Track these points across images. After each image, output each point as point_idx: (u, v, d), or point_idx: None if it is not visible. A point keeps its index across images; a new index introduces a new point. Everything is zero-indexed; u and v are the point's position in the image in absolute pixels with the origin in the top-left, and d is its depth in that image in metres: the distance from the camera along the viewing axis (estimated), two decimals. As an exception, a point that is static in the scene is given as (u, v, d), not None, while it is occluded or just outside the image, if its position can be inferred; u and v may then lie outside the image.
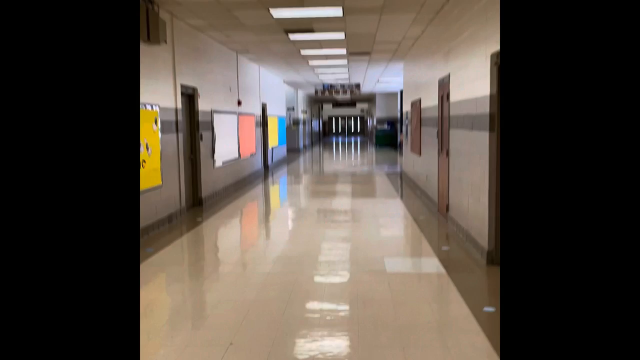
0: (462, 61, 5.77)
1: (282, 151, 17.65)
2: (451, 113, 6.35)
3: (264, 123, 14.33)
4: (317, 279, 4.39)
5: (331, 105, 38.15)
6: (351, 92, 19.37)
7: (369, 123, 37.63)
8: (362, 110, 44.65)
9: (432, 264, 4.78)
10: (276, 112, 16.39)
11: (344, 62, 13.04)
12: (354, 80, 18.53)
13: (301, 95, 23.90)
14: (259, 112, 13.40)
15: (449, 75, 6.47)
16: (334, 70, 15.11)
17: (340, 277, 4.43)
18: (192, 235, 6.27)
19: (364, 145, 28.66)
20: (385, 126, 25.64)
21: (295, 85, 20.16)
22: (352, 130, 46.80)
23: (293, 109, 22.38)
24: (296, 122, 22.66)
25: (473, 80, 5.26)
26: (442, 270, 4.55)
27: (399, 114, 25.21)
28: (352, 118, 46.57)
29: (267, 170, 14.46)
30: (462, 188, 5.84)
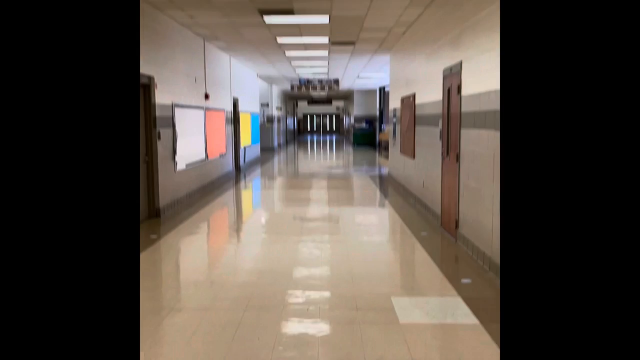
0: (482, 45, 4.63)
1: (256, 150, 16.35)
2: (463, 109, 5.22)
3: (235, 120, 13.01)
4: (295, 328, 3.18)
5: (306, 103, 36.93)
6: (329, 88, 18.19)
7: (346, 121, 36.55)
8: (337, 108, 43.56)
9: (457, 308, 3.61)
10: (249, 108, 15.08)
11: (325, 53, 11.85)
12: (333, 76, 17.36)
13: (276, 91, 22.61)
14: (229, 107, 12.09)
15: (460, 64, 5.33)
16: (313, 63, 13.91)
17: (331, 327, 3.23)
18: (143, 259, 4.94)
19: (340, 144, 27.55)
20: (364, 125, 24.58)
21: (269, 80, 18.87)
22: (328, 129, 45.69)
23: (267, 105, 21.08)
24: (270, 120, 21.37)
25: (498, 68, 4.13)
26: (474, 318, 3.39)
27: (377, 112, 24.17)
28: (328, 116, 45.46)
29: (239, 172, 13.16)
30: (479, 201, 4.71)
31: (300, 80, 18.12)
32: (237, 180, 11.62)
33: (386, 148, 21.22)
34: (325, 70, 15.31)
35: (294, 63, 13.43)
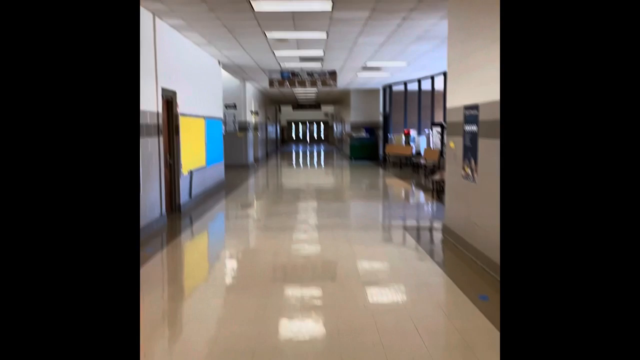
0: None
1: (217, 173, 11.16)
2: None
3: (170, 128, 7.82)
4: None
5: (291, 108, 31.86)
6: (323, 83, 13.09)
7: (337, 129, 31.53)
8: (326, 115, 38.53)
9: None
10: (202, 110, 9.89)
11: (324, 26, 6.82)
12: (330, 66, 12.32)
13: (251, 90, 17.46)
14: (153, 106, 6.90)
15: None
16: (304, 46, 8.87)
17: None
18: None
19: (331, 157, 22.56)
20: (363, 134, 19.54)
21: (239, 72, 13.72)
22: (316, 137, 40.70)
23: (234, 106, 15.92)
24: (244, 127, 16.19)
25: None
26: None
27: (381, 118, 19.14)
28: (315, 123, 40.46)
29: (176, 215, 7.93)
30: None
31: (282, 74, 13.00)
32: (170, 235, 6.43)
33: (398, 165, 16.44)
34: (320, 53, 10.25)
35: (277, 49, 8.45)
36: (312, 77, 13.01)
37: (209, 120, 10.28)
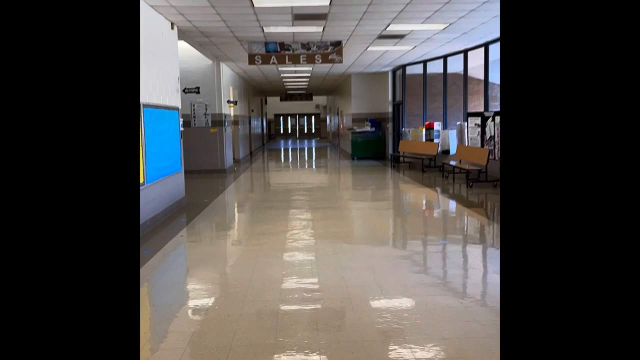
0: None
1: (167, 190, 7.48)
2: None
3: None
4: None
5: (279, 99, 28.18)
6: (324, 58, 9.46)
7: (331, 122, 27.94)
8: (317, 107, 34.90)
9: None
10: (141, 94, 6.20)
11: None
12: (334, 34, 8.72)
13: (228, 74, 13.76)
14: None
15: None
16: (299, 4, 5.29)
17: None
18: None
19: (325, 154, 19.00)
20: (368, 127, 15.97)
21: (208, 47, 10.02)
22: (306, 131, 37.05)
23: (197, 90, 12.27)
24: (218, 121, 12.52)
25: None
26: None
27: (390, 108, 15.58)
28: (306, 116, 36.80)
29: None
30: None
31: (267, 46, 9.36)
32: None
33: (415, 166, 12.82)
34: (324, 5, 6.64)
35: (260, 2, 4.85)
36: (309, 50, 9.37)
37: (152, 111, 6.59)
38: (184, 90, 11.98)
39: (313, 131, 36.90)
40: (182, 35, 8.51)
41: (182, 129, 7.96)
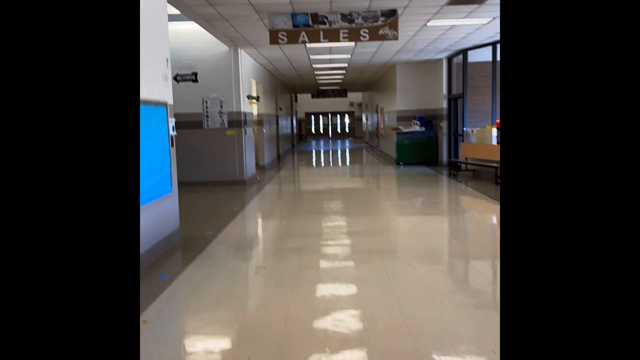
0: None
1: (149, 220, 5.10)
2: None
3: None
4: None
5: (310, 96, 25.79)
6: (372, 33, 6.93)
7: (368, 121, 25.36)
8: (351, 104, 32.35)
9: None
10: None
11: None
12: (385, 2, 6.20)
13: (249, 63, 11.39)
14: None
15: None
16: None
17: None
18: None
19: (362, 157, 16.46)
20: (417, 127, 13.35)
21: (220, 26, 7.63)
22: (340, 131, 34.51)
23: (194, 77, 9.92)
24: (236, 121, 10.17)
25: None
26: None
27: (445, 103, 12.95)
28: (339, 115, 34.26)
29: None
30: None
31: (295, 18, 6.92)
32: None
33: (483, 176, 10.03)
34: None
35: None
36: (352, 24, 6.86)
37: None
38: (175, 78, 9.62)
39: (347, 131, 34.36)
40: (179, 3, 6.14)
41: (173, 133, 5.58)
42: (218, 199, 8.77)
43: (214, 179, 10.18)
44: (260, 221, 6.91)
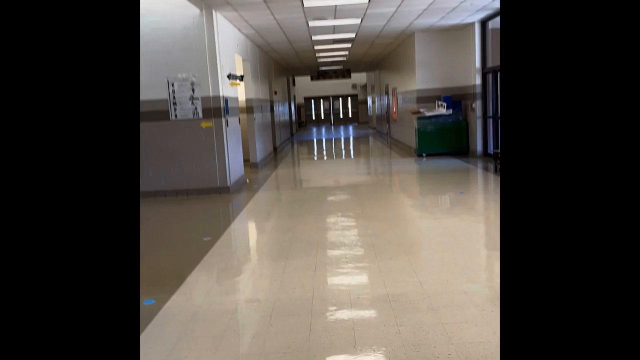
0: None
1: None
2: None
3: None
4: None
5: (309, 78, 23.17)
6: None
7: (374, 104, 22.79)
8: (354, 87, 29.73)
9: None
10: None
11: None
12: None
13: (230, 33, 8.81)
14: None
15: None
16: None
17: None
18: None
19: (372, 147, 13.99)
20: (443, 109, 10.85)
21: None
22: (342, 117, 31.87)
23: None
24: (215, 110, 7.65)
25: None
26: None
27: (478, 79, 10.43)
28: (341, 99, 31.58)
29: None
30: None
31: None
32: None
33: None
34: None
35: None
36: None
37: None
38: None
39: (350, 116, 31.78)
40: None
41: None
42: (185, 219, 6.31)
43: (187, 186, 7.72)
44: (244, 268, 4.44)
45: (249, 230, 5.74)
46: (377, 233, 4.99)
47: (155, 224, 6.08)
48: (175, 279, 3.90)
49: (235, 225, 5.83)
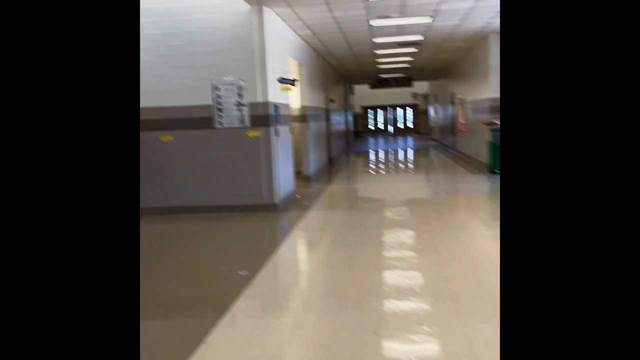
0: None
1: None
2: None
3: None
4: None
5: (368, 86, 22.16)
6: None
7: (436, 114, 21.45)
8: (414, 96, 28.40)
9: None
10: None
11: None
12: None
13: (284, 32, 7.98)
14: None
15: None
16: None
17: None
18: None
19: (436, 161, 12.76)
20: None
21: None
22: (401, 127, 30.52)
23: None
24: (264, 118, 6.82)
25: None
26: None
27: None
28: (401, 108, 30.28)
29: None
30: None
31: None
32: None
33: None
34: None
35: None
36: None
37: None
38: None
39: (409, 126, 30.43)
40: None
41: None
42: (223, 243, 5.47)
43: (230, 202, 6.91)
44: (281, 324, 3.46)
45: (293, 264, 4.80)
46: (455, 276, 3.90)
47: (188, 247, 5.28)
48: (189, 341, 3.00)
49: (279, 255, 4.91)
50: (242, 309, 3.47)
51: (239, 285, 3.87)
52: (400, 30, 9.14)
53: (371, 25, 8.51)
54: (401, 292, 3.61)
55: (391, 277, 3.97)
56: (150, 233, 6.11)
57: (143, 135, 6.87)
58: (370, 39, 9.99)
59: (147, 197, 6.95)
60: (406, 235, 5.40)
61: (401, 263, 4.34)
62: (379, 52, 11.92)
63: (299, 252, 5.19)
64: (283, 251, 5.08)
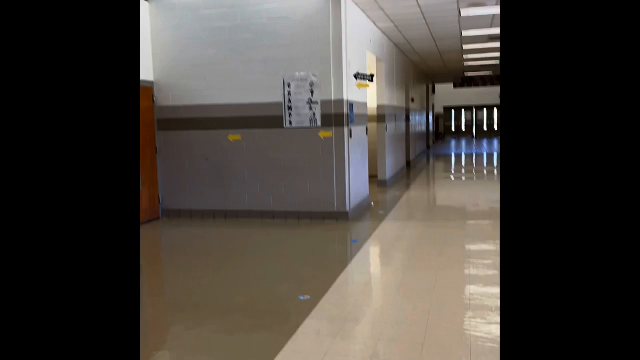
0: None
1: None
2: None
3: None
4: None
5: (451, 86, 20.91)
6: None
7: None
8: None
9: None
10: None
11: None
12: None
13: (364, 24, 7.32)
14: None
15: None
16: None
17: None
18: None
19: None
20: None
21: None
22: (486, 129, 28.76)
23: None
24: (337, 117, 6.20)
25: None
26: None
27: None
28: (485, 109, 28.53)
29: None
30: None
31: None
32: None
33: None
34: None
35: None
36: None
37: None
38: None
39: (496, 128, 28.60)
40: None
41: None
42: (286, 258, 4.91)
43: (298, 208, 6.37)
44: None
45: (363, 290, 4.12)
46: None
47: (248, 260, 4.79)
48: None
49: (347, 277, 4.26)
50: (297, 350, 2.85)
51: (297, 316, 3.27)
52: (495, 21, 8.15)
53: (461, 16, 7.62)
54: (495, 341, 2.83)
55: (485, 322, 3.19)
56: (211, 237, 5.70)
57: (212, 133, 6.50)
58: (459, 32, 9.06)
59: (211, 199, 6.58)
60: (497, 257, 4.55)
61: (497, 296, 3.53)
62: (467, 46, 10.91)
63: (369, 274, 4.51)
64: (351, 271, 4.42)
